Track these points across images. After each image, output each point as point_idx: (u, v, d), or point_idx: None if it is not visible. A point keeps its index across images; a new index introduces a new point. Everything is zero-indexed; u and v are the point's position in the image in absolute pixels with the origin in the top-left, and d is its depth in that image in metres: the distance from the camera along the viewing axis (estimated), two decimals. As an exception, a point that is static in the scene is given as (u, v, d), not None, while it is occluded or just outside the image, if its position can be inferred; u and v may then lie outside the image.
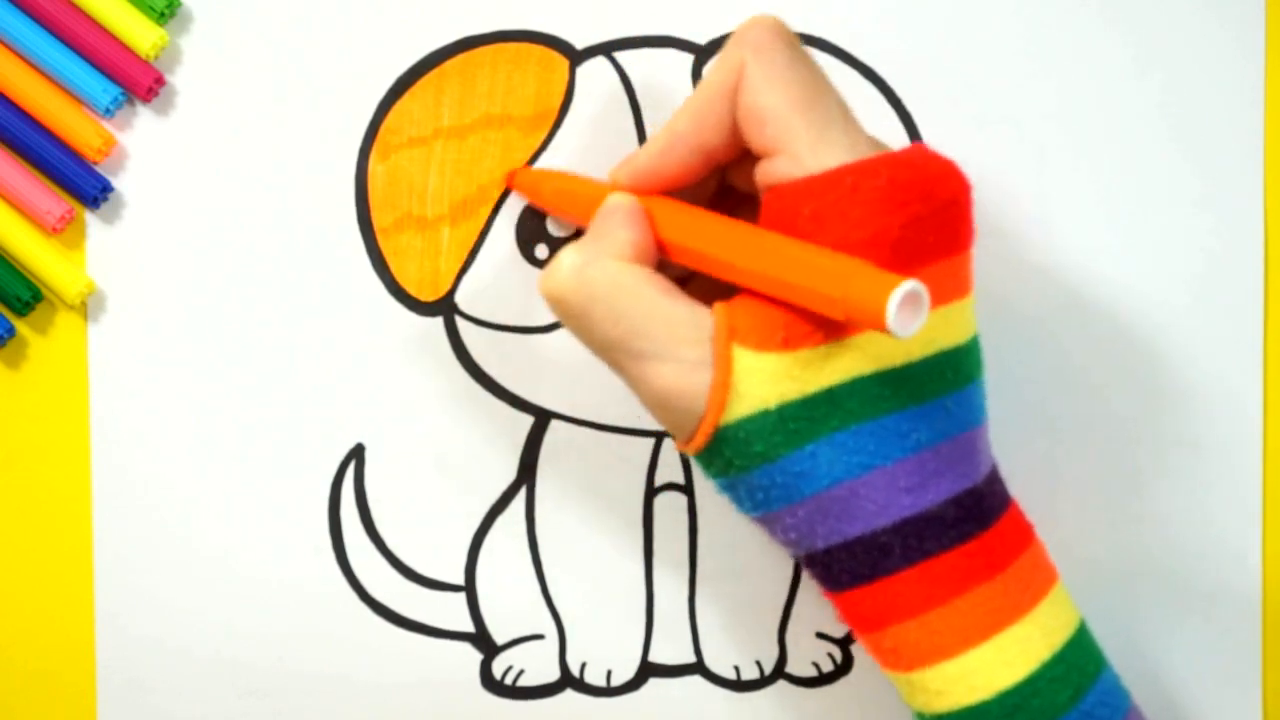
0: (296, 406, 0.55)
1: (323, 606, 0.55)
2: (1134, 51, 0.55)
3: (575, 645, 0.56)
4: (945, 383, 0.46)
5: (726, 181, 0.51)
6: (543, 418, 0.55)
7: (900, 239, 0.44)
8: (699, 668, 0.56)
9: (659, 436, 0.56)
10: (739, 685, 0.56)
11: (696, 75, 0.55)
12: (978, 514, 0.46)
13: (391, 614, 0.56)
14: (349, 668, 0.56)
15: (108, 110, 0.53)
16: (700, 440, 0.45)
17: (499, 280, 0.55)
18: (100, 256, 0.55)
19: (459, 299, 0.55)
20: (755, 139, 0.46)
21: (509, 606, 0.56)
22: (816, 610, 0.56)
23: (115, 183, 0.54)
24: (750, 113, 0.46)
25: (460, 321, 0.55)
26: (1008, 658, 0.46)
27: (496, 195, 0.55)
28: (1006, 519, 0.47)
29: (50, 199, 0.54)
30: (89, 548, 0.55)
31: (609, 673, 0.56)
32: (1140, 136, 0.55)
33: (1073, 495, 0.56)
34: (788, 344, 0.44)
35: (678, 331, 0.45)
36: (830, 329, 0.44)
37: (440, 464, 0.55)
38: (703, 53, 0.55)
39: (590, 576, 0.56)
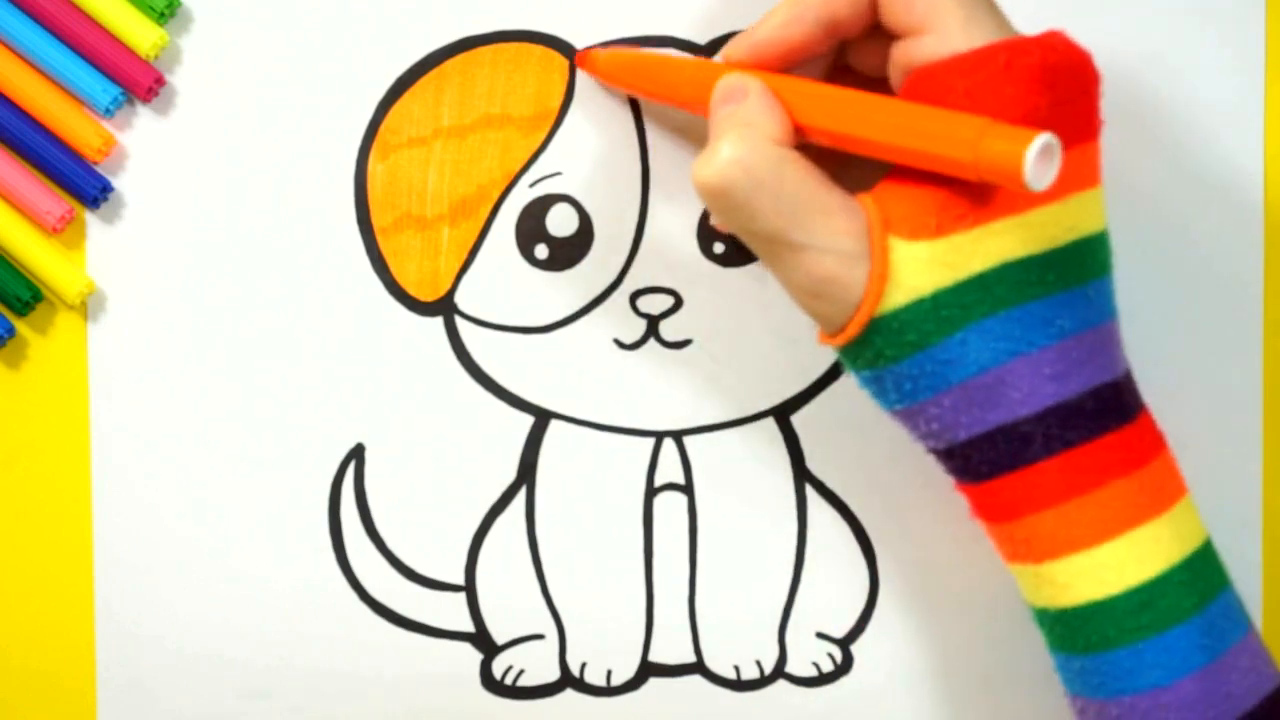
0: (296, 406, 0.55)
1: (323, 606, 0.55)
2: (1134, 51, 0.55)
3: (575, 645, 0.56)
4: (1086, 270, 0.46)
5: (841, 63, 0.50)
6: (543, 418, 0.55)
7: (1048, 119, 0.44)
8: (699, 668, 0.56)
9: (659, 436, 0.56)
10: (739, 685, 0.56)
11: (696, 75, 0.55)
12: (1117, 408, 0.46)
13: (391, 614, 0.56)
14: (349, 668, 0.56)
15: (108, 110, 0.53)
16: (853, 330, 0.45)
17: (499, 280, 0.55)
18: (100, 256, 0.55)
19: (459, 299, 0.55)
20: (901, 16, 0.46)
21: (509, 606, 0.56)
22: (816, 610, 0.56)
23: (115, 183, 0.54)
24: None
25: (460, 321, 0.55)
26: (1140, 554, 0.46)
27: (496, 195, 0.55)
28: (1143, 419, 0.47)
29: (50, 199, 0.54)
30: (89, 548, 0.55)
31: (609, 673, 0.56)
32: (1140, 136, 0.55)
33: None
34: (940, 230, 0.44)
35: (835, 222, 0.45)
36: (980, 212, 0.45)
37: (440, 464, 0.55)
38: (703, 53, 0.55)
39: (590, 576, 0.56)
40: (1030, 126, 0.43)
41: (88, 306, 0.55)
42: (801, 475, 0.56)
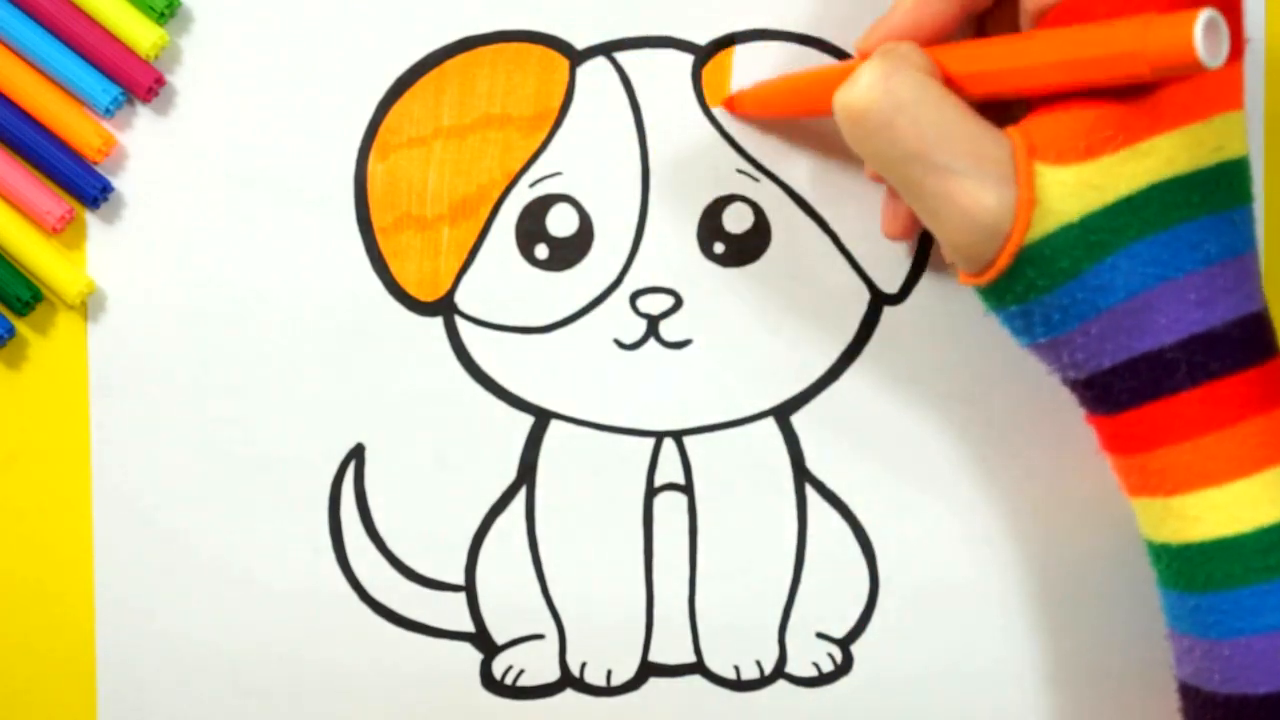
0: (296, 406, 0.55)
1: (323, 606, 0.55)
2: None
3: (575, 645, 0.56)
4: (1231, 195, 0.46)
5: (983, 32, 0.50)
6: (543, 418, 0.55)
7: None
8: (699, 668, 0.56)
9: (659, 436, 0.56)
10: (739, 685, 0.56)
11: (696, 75, 0.55)
12: (1261, 341, 0.46)
13: (391, 614, 0.56)
14: (349, 668, 0.56)
15: (108, 110, 0.53)
16: (1004, 261, 0.45)
17: (499, 280, 0.55)
18: (100, 256, 0.55)
19: (459, 299, 0.55)
20: None
21: (509, 606, 0.56)
22: (816, 610, 0.56)
23: (115, 183, 0.54)
24: None
25: (460, 321, 0.55)
26: (1274, 494, 0.45)
27: (496, 195, 0.55)
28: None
29: (50, 199, 0.54)
30: (89, 548, 0.55)
31: (609, 673, 0.56)
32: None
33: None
34: (1090, 151, 0.44)
35: (980, 148, 0.45)
36: (1128, 132, 0.44)
37: (440, 464, 0.55)
38: (703, 53, 0.55)
39: (590, 576, 0.56)
40: None
41: (88, 306, 0.55)
42: (801, 475, 0.56)
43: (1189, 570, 0.47)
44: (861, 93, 0.45)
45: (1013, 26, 0.49)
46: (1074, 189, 0.44)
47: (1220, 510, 0.46)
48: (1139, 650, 0.56)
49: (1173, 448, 0.46)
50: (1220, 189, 0.46)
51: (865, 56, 0.48)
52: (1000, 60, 0.46)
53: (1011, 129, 0.45)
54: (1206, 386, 0.46)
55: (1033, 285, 0.46)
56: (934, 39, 0.48)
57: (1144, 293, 0.45)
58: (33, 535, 0.55)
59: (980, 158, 0.45)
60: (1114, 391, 0.46)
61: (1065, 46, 0.44)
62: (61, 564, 0.55)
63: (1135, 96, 0.45)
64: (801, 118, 0.54)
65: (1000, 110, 0.47)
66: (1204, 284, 0.45)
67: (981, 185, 0.45)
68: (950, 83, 0.46)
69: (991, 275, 0.46)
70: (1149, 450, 0.47)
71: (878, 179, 0.53)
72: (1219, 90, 0.46)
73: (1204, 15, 0.42)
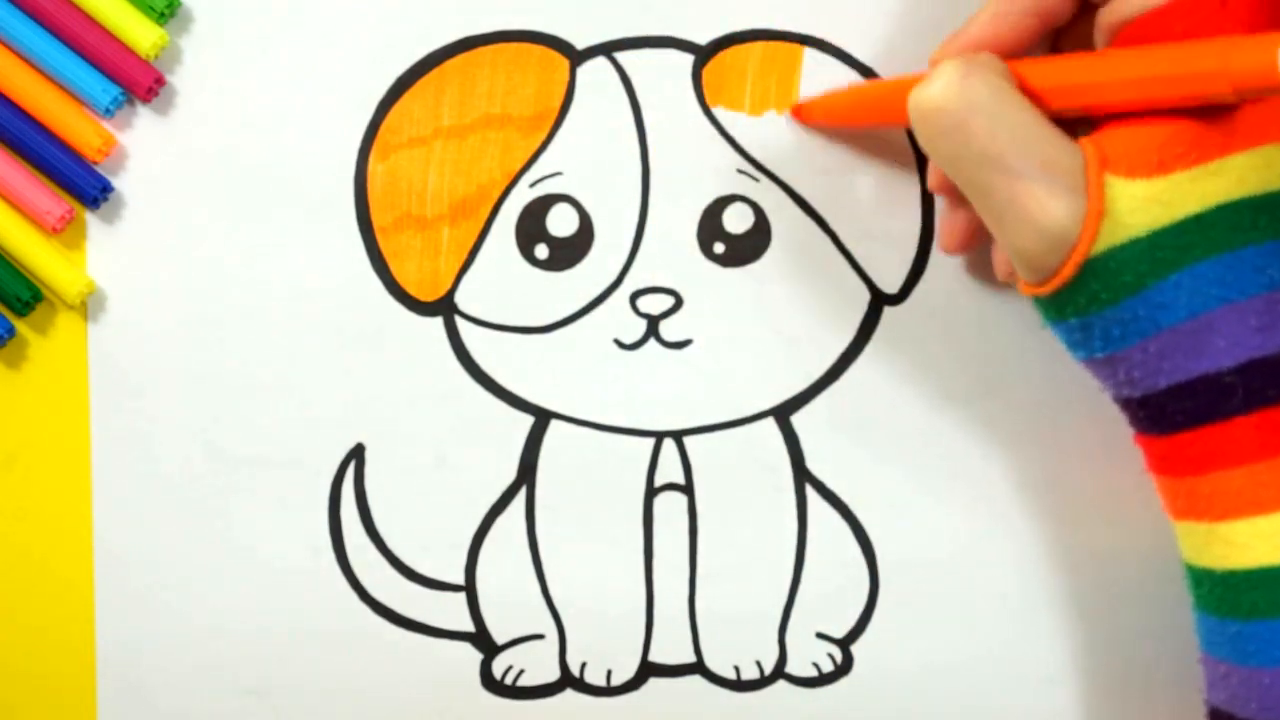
0: (296, 406, 0.55)
1: (323, 606, 0.55)
2: (1134, 51, 0.55)
3: (575, 645, 0.56)
4: None
5: (1056, 49, 0.50)
6: (543, 418, 0.55)
7: None
8: (699, 668, 0.56)
9: (659, 436, 0.56)
10: (739, 685, 0.56)
11: (696, 75, 0.55)
12: None
13: (391, 614, 0.56)
14: (349, 667, 0.56)
15: (108, 110, 0.53)
16: (1069, 271, 0.45)
17: (499, 280, 0.55)
18: (100, 256, 0.55)
19: (459, 299, 0.55)
20: None
21: (509, 606, 0.56)
22: (816, 610, 0.56)
23: (115, 183, 0.54)
24: None
25: (460, 321, 0.55)
26: None
27: (496, 195, 0.55)
28: None
29: (50, 199, 0.54)
30: (89, 548, 0.55)
31: (609, 673, 0.56)
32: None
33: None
34: (1161, 167, 0.44)
35: (1052, 155, 0.45)
36: (1200, 151, 0.44)
37: (440, 464, 0.55)
38: (703, 53, 0.55)
39: (590, 576, 0.56)
40: None
41: (88, 306, 0.55)
42: (801, 475, 0.56)
43: (1232, 597, 0.46)
44: (937, 91, 0.45)
45: (1087, 44, 0.49)
46: (1143, 203, 0.44)
47: (1269, 539, 0.45)
48: (1139, 650, 0.56)
49: (1224, 473, 0.46)
50: None
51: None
52: (1078, 75, 0.46)
53: (1085, 140, 0.45)
54: (1262, 413, 0.45)
55: (1095, 298, 0.45)
56: (1010, 53, 0.48)
57: (1205, 314, 0.45)
58: (33, 535, 0.55)
59: (1052, 165, 0.44)
60: (1168, 412, 0.46)
61: (1146, 64, 0.44)
62: (61, 564, 0.55)
63: (1210, 115, 0.45)
64: (869, 128, 0.54)
65: (1068, 127, 0.47)
66: (1265, 309, 0.45)
67: (1051, 192, 0.44)
68: (1026, 94, 0.46)
69: (1054, 285, 0.46)
70: (1199, 474, 0.46)
71: (941, 189, 0.52)
72: None
73: None
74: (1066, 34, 0.50)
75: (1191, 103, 0.44)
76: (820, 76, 0.54)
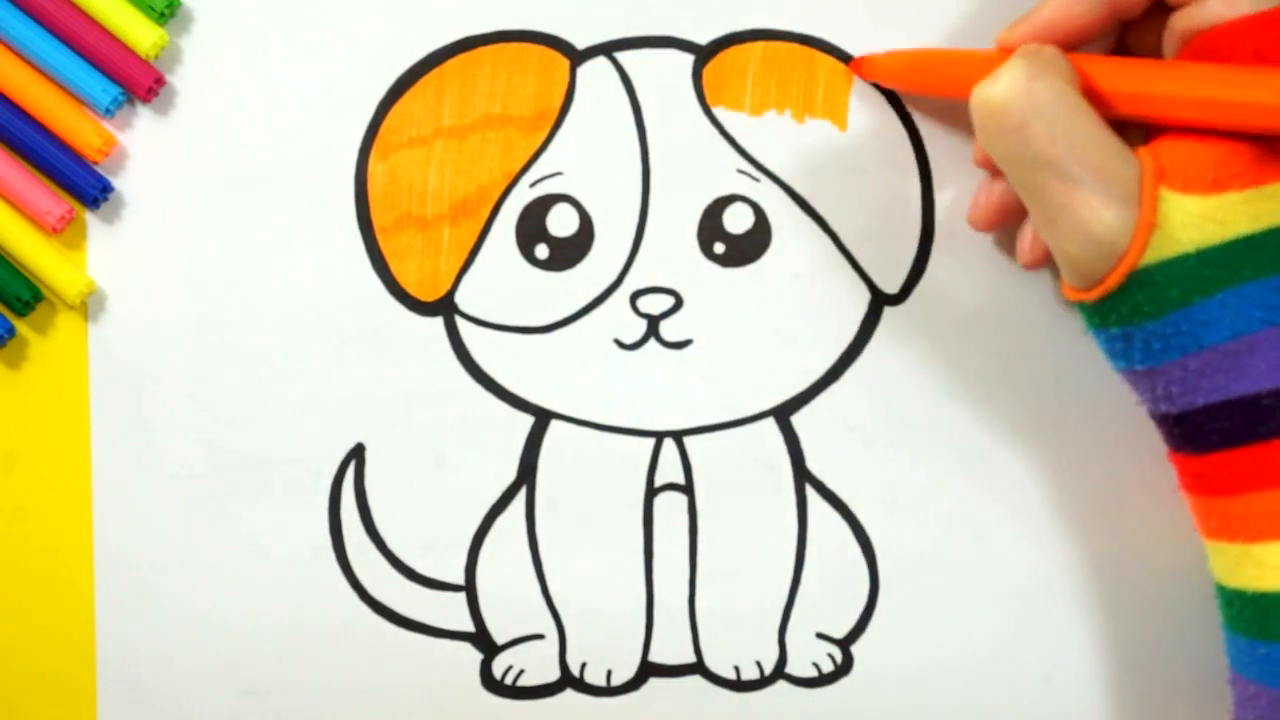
0: (296, 406, 0.55)
1: (323, 606, 0.55)
2: (1134, 51, 0.55)
3: (575, 645, 0.56)
4: None
5: (1123, 41, 0.50)
6: (543, 418, 0.55)
7: None
8: (699, 668, 0.56)
9: (659, 436, 0.56)
10: (739, 685, 0.56)
11: (697, 75, 0.55)
12: None
13: (391, 614, 0.56)
14: (349, 667, 0.56)
15: (108, 110, 0.53)
16: (1115, 280, 0.45)
17: (499, 280, 0.55)
18: (100, 256, 0.55)
19: (459, 299, 0.55)
20: None
21: (509, 606, 0.56)
22: (816, 610, 0.56)
23: (115, 183, 0.54)
24: None
25: (460, 321, 0.55)
26: None
27: (497, 195, 0.55)
28: None
29: (50, 199, 0.54)
30: (89, 548, 0.55)
31: (609, 673, 0.56)
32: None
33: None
34: (1216, 185, 0.44)
35: (1109, 163, 0.45)
36: (1257, 172, 0.45)
37: (440, 464, 0.55)
38: (703, 53, 0.55)
39: (590, 576, 0.56)
40: None
41: (88, 306, 0.55)
42: (801, 475, 0.56)
43: (1262, 619, 0.46)
44: (1001, 90, 0.45)
45: (1155, 40, 0.49)
46: (1196, 219, 0.44)
47: None
48: (1139, 650, 0.56)
49: (1258, 495, 0.46)
50: None
51: (1005, 50, 0.49)
52: (1143, 85, 0.46)
53: (1142, 150, 0.45)
54: None
55: (1139, 309, 0.45)
56: (1078, 40, 0.48)
57: (1248, 335, 0.45)
58: (33, 535, 0.55)
59: (1107, 173, 0.45)
60: (1204, 431, 0.46)
61: (1212, 85, 0.44)
62: (61, 564, 0.55)
63: (1268, 138, 0.45)
64: (927, 95, 0.54)
65: (1124, 132, 0.47)
66: None
67: (1105, 200, 0.44)
68: (1090, 95, 0.46)
69: (1099, 293, 0.46)
70: (1233, 495, 0.46)
71: (983, 164, 0.52)
72: None
73: None
74: (1135, 29, 0.50)
75: (1252, 130, 0.44)
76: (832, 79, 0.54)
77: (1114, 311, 0.46)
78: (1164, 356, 0.46)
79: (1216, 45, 0.45)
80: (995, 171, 0.52)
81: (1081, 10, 0.48)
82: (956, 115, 0.55)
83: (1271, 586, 0.46)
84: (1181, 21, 0.47)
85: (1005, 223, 0.53)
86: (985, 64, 0.49)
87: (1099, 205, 0.45)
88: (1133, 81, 0.46)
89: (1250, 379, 0.45)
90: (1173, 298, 0.45)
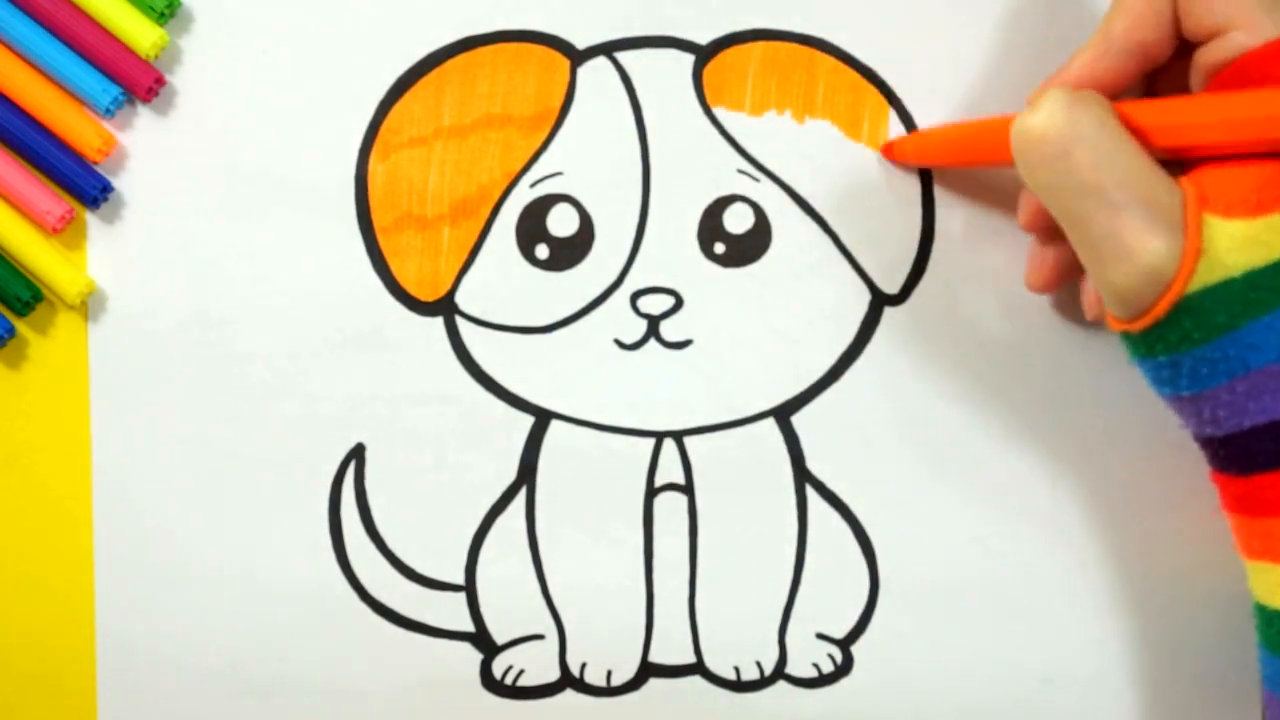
0: (296, 406, 0.55)
1: (323, 606, 0.55)
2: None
3: (575, 645, 0.56)
4: None
5: (1152, 90, 0.50)
6: (543, 418, 0.55)
7: None
8: (699, 668, 0.56)
9: (659, 436, 0.56)
10: (739, 685, 0.56)
11: (697, 75, 0.55)
12: None
13: (391, 614, 0.56)
14: (349, 668, 0.56)
15: (108, 110, 0.53)
16: (1163, 308, 0.45)
17: (499, 280, 0.55)
18: (100, 256, 0.55)
19: (459, 299, 0.55)
20: (1203, 20, 0.46)
21: (509, 606, 0.56)
22: (816, 610, 0.56)
23: (115, 183, 0.54)
24: None
25: (460, 321, 0.55)
26: None
27: (497, 195, 0.55)
28: None
29: (50, 199, 0.54)
30: (89, 548, 0.55)
31: (609, 673, 0.56)
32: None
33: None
34: (1260, 208, 0.44)
35: (1153, 191, 0.44)
36: None
37: (440, 464, 0.55)
38: (703, 53, 0.55)
39: (590, 576, 0.56)
40: None
41: (88, 306, 0.55)
42: (801, 475, 0.56)
43: None
44: (1042, 119, 0.45)
45: (1182, 88, 0.49)
46: (1241, 243, 0.44)
47: None
48: (1138, 650, 0.56)
49: None
50: None
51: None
52: (1178, 117, 0.46)
53: (1184, 179, 0.45)
54: None
55: (1187, 336, 0.45)
56: (1109, 94, 0.48)
57: None
58: (33, 535, 0.55)
59: (1152, 201, 0.44)
60: (1250, 453, 0.46)
61: (1244, 107, 0.44)
62: (61, 564, 0.55)
63: None
64: (963, 168, 0.54)
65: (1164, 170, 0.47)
66: None
67: (1150, 228, 0.44)
68: (1128, 132, 0.46)
69: (1147, 322, 0.45)
70: (1277, 516, 0.46)
71: (1032, 226, 0.52)
72: None
73: None
74: (1162, 76, 0.50)
75: None
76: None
77: (1161, 340, 0.46)
78: (1211, 381, 0.46)
79: (1246, 73, 0.45)
80: (1046, 235, 0.52)
81: (1110, 63, 0.48)
82: (956, 113, 0.55)
83: None
84: (1206, 57, 0.47)
85: (1063, 283, 0.53)
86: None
87: (1145, 232, 0.44)
88: (1168, 115, 0.46)
89: None
90: (1221, 323, 0.45)
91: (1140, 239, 0.44)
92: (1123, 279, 0.45)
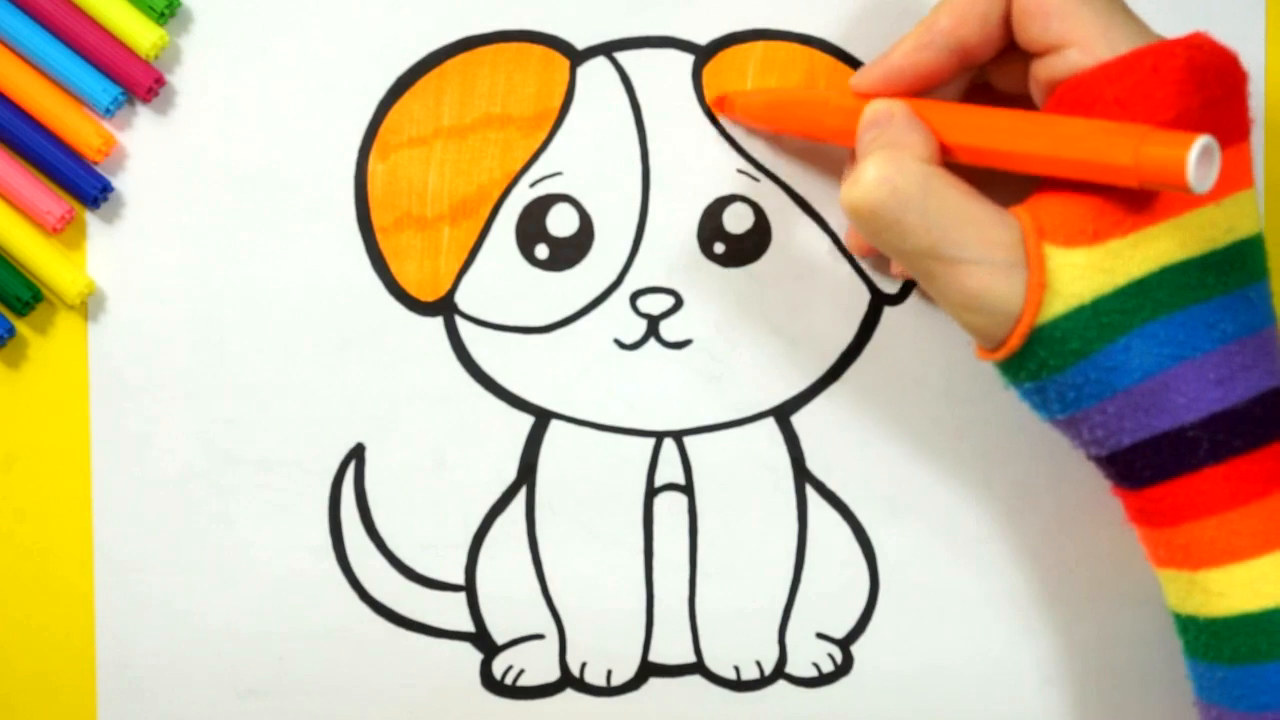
0: (296, 406, 0.55)
1: (323, 606, 0.55)
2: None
3: (575, 645, 0.56)
4: (1246, 273, 0.46)
5: (979, 81, 0.51)
6: (543, 418, 0.55)
7: (1199, 120, 0.44)
8: (699, 668, 0.56)
9: (659, 436, 0.56)
10: (739, 685, 0.56)
11: (697, 75, 0.55)
12: None
13: (391, 614, 0.56)
14: (349, 667, 0.56)
15: (108, 110, 0.53)
16: (1015, 342, 0.45)
17: (499, 280, 0.55)
18: (100, 256, 0.55)
19: (459, 299, 0.55)
20: (1037, 35, 0.46)
21: (509, 606, 0.56)
22: (816, 610, 0.56)
23: (115, 183, 0.54)
24: (1030, 7, 0.46)
25: (460, 321, 0.55)
26: None
27: (497, 195, 0.55)
28: None
29: (50, 199, 0.54)
30: (89, 548, 0.55)
31: (609, 673, 0.56)
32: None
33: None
34: (1097, 236, 0.44)
35: (988, 234, 0.45)
36: (1137, 217, 0.45)
37: (440, 464, 0.55)
38: (703, 53, 0.55)
39: (590, 576, 0.56)
40: (1183, 129, 0.43)
41: (88, 306, 0.55)
42: (801, 475, 0.56)
43: (1216, 644, 0.47)
44: (868, 192, 0.45)
45: (1019, 77, 0.49)
46: (1084, 271, 0.44)
47: (1245, 586, 0.45)
48: (1138, 651, 0.56)
49: (1197, 523, 0.46)
50: (1234, 268, 0.46)
51: (862, 96, 0.49)
52: (998, 140, 0.46)
53: (1019, 209, 0.45)
54: (1229, 463, 0.45)
55: (1045, 364, 0.46)
56: (929, 85, 0.49)
57: (1161, 373, 0.45)
58: (33, 535, 0.55)
59: (990, 244, 0.45)
60: (1136, 468, 0.46)
61: (1063, 140, 0.44)
62: (61, 564, 0.55)
63: None
64: (785, 134, 0.54)
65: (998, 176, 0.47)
66: (1222, 362, 0.45)
67: (992, 272, 0.45)
68: (949, 152, 0.47)
69: (1004, 354, 0.46)
70: (1173, 525, 0.46)
71: (860, 251, 0.54)
72: (1230, 172, 0.46)
73: (1199, 143, 0.41)
74: (996, 69, 0.50)
75: (1106, 182, 0.44)
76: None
77: (1022, 369, 0.46)
78: (1079, 404, 0.46)
79: (1079, 94, 0.45)
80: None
81: (929, 56, 0.48)
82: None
83: (1219, 612, 0.46)
84: (1043, 70, 0.47)
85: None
86: (840, 112, 0.49)
87: (986, 278, 0.45)
88: (991, 137, 0.46)
89: (1170, 414, 0.45)
90: (1075, 349, 0.45)
91: (983, 284, 0.45)
92: (975, 320, 0.46)
